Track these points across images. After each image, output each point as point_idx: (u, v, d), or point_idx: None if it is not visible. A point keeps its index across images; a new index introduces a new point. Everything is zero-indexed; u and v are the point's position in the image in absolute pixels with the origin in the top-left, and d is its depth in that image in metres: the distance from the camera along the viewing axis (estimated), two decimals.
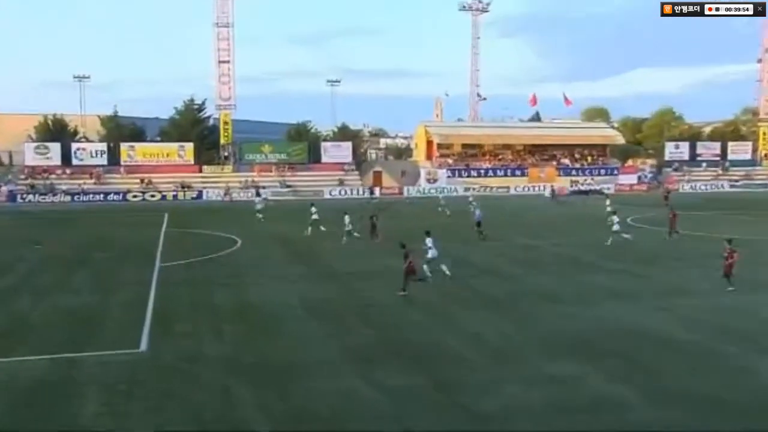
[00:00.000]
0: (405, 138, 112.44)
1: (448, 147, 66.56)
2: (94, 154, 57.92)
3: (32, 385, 10.89)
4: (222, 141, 62.05)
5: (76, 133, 64.53)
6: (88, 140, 63.83)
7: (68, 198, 52.96)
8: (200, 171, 59.93)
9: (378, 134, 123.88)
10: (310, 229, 28.91)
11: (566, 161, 67.63)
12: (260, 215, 36.27)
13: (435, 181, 62.85)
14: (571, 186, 62.81)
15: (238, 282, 18.92)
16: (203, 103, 66.14)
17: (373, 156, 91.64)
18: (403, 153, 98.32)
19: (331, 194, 57.73)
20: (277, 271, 20.87)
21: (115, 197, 53.95)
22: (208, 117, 67.24)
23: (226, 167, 61.05)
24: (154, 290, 17.73)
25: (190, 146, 59.85)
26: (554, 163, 66.80)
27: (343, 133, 70.56)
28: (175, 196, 54.42)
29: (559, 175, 64.39)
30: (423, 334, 13.57)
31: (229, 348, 12.80)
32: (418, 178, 63.71)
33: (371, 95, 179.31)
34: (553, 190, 56.17)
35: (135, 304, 16.19)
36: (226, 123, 61.71)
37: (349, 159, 63.80)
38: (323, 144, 65.05)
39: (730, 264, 16.61)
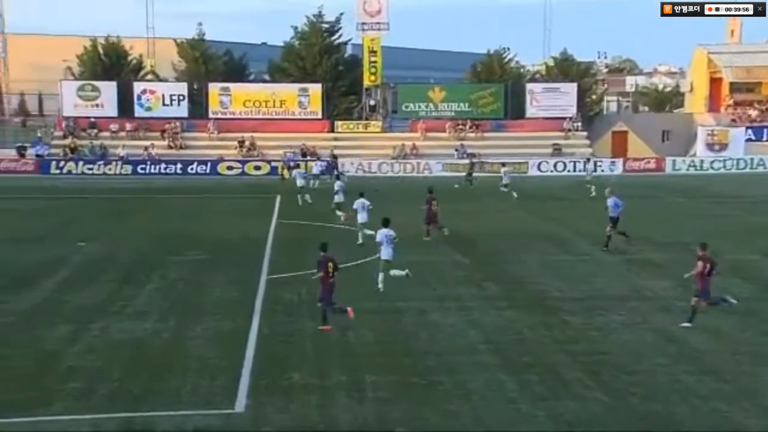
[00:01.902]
0: (670, 74, 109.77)
1: (750, 89, 63.94)
2: (167, 101, 62.07)
3: None
4: (366, 82, 63.99)
5: (140, 67, 69.14)
6: (158, 78, 68.72)
7: (128, 168, 57.08)
8: (331, 129, 62.43)
9: (622, 69, 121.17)
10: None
11: None
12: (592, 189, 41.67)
13: (723, 147, 59.79)
14: None
15: (386, 307, 20.00)
16: (337, 20, 68.35)
17: (613, 107, 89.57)
18: (665, 101, 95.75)
19: (540, 169, 56.80)
20: (446, 289, 22.00)
21: (200, 169, 57.40)
22: (346, 43, 69.70)
23: (372, 124, 62.48)
24: (259, 317, 18.73)
25: (316, 90, 62.41)
26: None
27: (563, 68, 69.52)
28: (292, 168, 56.70)
29: None
30: (701, 409, 13.31)
31: (371, 414, 13.21)
32: (692, 144, 61.66)
33: (610, 4, 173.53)
34: None
35: (229, 338, 17.12)
36: (373, 52, 63.59)
37: (573, 112, 62.75)
38: (529, 87, 64.82)
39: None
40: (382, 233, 21.41)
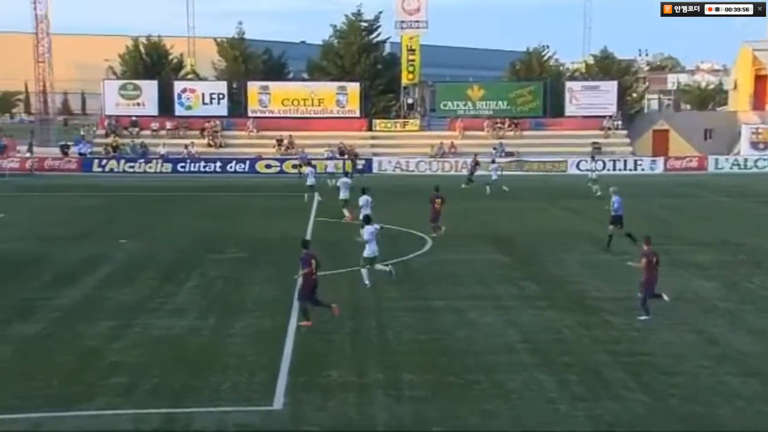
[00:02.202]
0: (713, 72, 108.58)
1: None
2: (207, 100, 62.68)
3: None
4: (405, 81, 64.04)
5: (180, 66, 69.96)
6: (198, 77, 69.43)
7: (168, 166, 57.75)
8: (369, 128, 62.55)
9: (663, 67, 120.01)
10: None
11: None
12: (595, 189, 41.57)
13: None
14: None
15: (424, 305, 20.10)
16: (376, 18, 68.58)
17: (654, 105, 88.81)
18: (708, 99, 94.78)
19: (579, 168, 56.43)
20: (483, 288, 22.10)
21: (239, 167, 57.89)
22: (384, 41, 69.84)
23: (410, 122, 62.57)
24: (296, 315, 18.71)
25: (354, 88, 62.55)
26: None
27: (603, 66, 69.06)
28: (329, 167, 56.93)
29: None
30: (745, 411, 13.19)
31: (408, 413, 13.23)
32: (735, 142, 60.97)
33: (651, 1, 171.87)
34: None
35: (268, 336, 17.31)
36: (411, 51, 63.56)
37: (613, 110, 62.39)
38: (568, 85, 64.50)
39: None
40: (369, 230, 21.99)
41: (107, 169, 57.32)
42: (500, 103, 62.88)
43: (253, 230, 31.50)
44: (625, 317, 18.58)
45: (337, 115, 62.13)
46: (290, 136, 60.11)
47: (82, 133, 64.54)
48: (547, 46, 70.61)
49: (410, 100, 63.99)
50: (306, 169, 42.44)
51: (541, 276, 23.36)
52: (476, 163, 49.37)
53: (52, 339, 16.92)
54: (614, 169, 56.06)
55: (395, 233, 30.23)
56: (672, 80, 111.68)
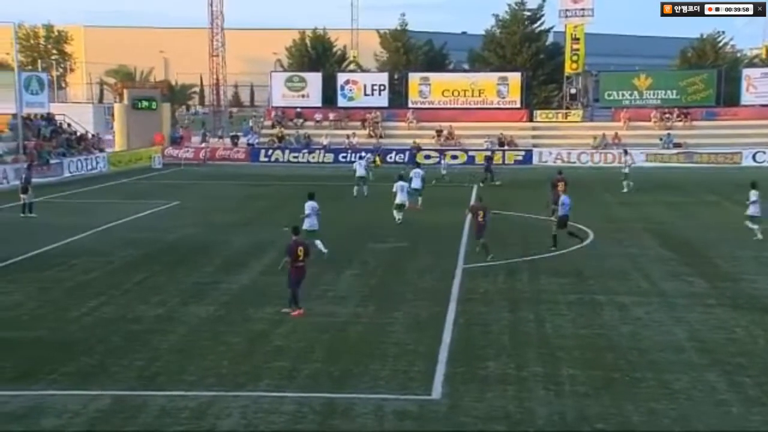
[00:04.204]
0: None
1: None
2: (369, 91, 63.65)
3: None
4: (568, 70, 62.90)
5: (344, 58, 71.50)
6: (361, 69, 70.57)
7: (330, 157, 58.88)
8: (530, 118, 61.84)
9: None
10: None
11: None
12: (627, 184, 39.86)
13: None
14: None
15: (586, 299, 19.77)
16: (540, 8, 67.99)
17: None
18: None
19: (755, 160, 53.62)
20: (648, 283, 21.49)
21: (399, 158, 58.14)
22: (547, 30, 69.00)
23: (572, 113, 61.58)
24: (455, 306, 18.97)
25: (515, 78, 62.04)
26: None
27: None
28: (488, 159, 56.37)
29: None
30: None
31: (569, 409, 13.06)
32: None
33: None
34: None
35: (425, 325, 17.52)
36: (576, 40, 62.25)
37: None
38: (746, 72, 61.46)
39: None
40: (309, 205, 24.05)
41: (273, 158, 59.00)
42: (669, 92, 60.54)
43: (411, 219, 31.70)
44: None
45: (497, 106, 61.56)
46: (450, 126, 60.12)
47: (250, 124, 67.01)
48: (723, 32, 67.56)
49: (573, 90, 62.66)
50: (358, 162, 41.42)
51: (710, 272, 22.37)
52: (626, 153, 47.23)
53: (222, 321, 17.64)
54: None
55: (538, 224, 29.63)
56: None
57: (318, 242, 23.39)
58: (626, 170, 41.38)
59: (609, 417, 12.45)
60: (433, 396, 13.36)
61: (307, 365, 14.79)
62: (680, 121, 59.17)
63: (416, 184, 33.73)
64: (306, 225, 23.24)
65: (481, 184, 41.98)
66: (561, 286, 20.87)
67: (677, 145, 55.93)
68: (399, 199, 30.39)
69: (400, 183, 30.81)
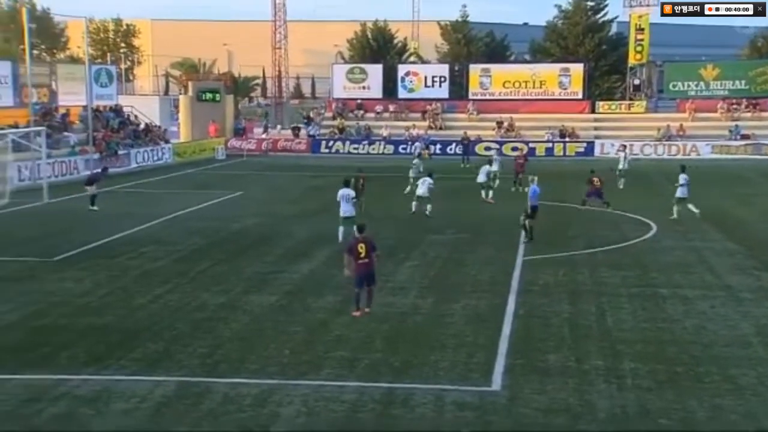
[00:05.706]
0: None
1: None
2: (429, 82, 63.53)
3: (341, 423, 12.15)
4: (631, 61, 62.08)
5: (404, 49, 71.47)
6: (421, 60, 70.49)
7: (390, 148, 58.92)
8: (592, 110, 61.15)
9: None
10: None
11: None
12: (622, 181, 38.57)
13: None
14: None
15: (648, 292, 19.49)
16: None
17: None
18: None
19: None
20: (713, 277, 21.14)
21: (459, 149, 57.63)
22: (611, 21, 68.19)
23: (635, 104, 60.64)
24: (514, 297, 18.94)
25: (577, 69, 61.42)
26: None
27: None
28: (549, 150, 55.73)
29: None
30: None
31: (631, 402, 12.83)
32: None
33: None
34: None
35: (485, 317, 17.48)
36: (640, 30, 61.34)
37: None
38: None
39: None
40: (342, 193, 24.94)
41: (333, 150, 59.37)
42: (737, 82, 59.36)
43: (470, 211, 31.60)
44: None
45: (558, 97, 61.04)
46: (511, 118, 59.66)
47: (311, 114, 67.45)
48: None
49: (637, 81, 61.84)
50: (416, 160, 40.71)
51: None
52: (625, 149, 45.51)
53: (284, 311, 17.78)
54: None
55: (618, 217, 29.41)
56: None
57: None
58: (625, 166, 39.25)
59: (672, 412, 12.26)
60: (492, 387, 13.30)
61: (368, 355, 14.83)
62: (749, 111, 57.85)
63: (422, 191, 31.13)
64: (341, 212, 24.24)
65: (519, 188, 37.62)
66: (623, 278, 20.63)
67: (745, 137, 54.73)
68: (420, 191, 30.63)
69: (427, 178, 30.79)
